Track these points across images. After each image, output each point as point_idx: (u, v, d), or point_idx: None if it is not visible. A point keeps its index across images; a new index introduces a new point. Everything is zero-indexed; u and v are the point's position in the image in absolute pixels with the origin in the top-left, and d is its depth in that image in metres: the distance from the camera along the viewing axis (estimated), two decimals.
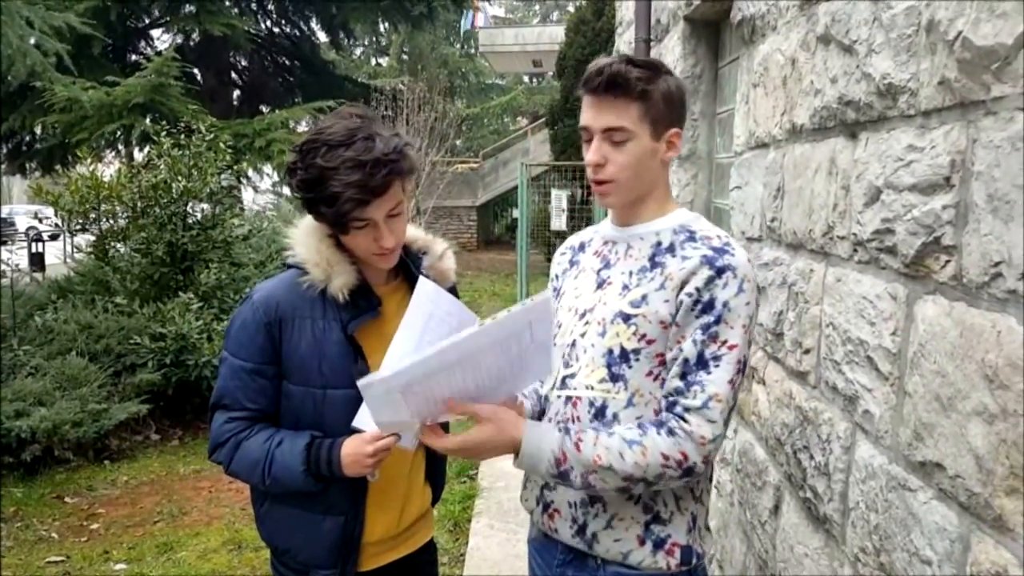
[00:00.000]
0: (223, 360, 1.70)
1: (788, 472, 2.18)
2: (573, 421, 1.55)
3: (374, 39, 24.88)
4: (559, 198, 12.26)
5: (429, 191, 14.05)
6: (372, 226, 1.59)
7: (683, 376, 1.44)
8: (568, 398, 1.57)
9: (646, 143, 1.52)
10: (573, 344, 1.58)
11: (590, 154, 1.53)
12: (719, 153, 4.16)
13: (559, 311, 1.66)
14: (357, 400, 1.50)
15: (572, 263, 1.74)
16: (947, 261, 1.36)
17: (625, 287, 1.54)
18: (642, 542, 1.52)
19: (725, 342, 1.43)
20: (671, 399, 1.45)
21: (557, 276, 1.78)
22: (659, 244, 1.55)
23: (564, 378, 1.59)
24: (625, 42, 5.94)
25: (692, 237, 1.53)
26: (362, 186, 1.52)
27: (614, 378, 1.50)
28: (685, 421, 1.42)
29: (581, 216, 11.72)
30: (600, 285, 1.59)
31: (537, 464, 1.45)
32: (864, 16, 1.72)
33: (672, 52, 4.36)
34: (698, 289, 1.45)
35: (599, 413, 1.52)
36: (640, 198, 1.58)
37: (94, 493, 4.75)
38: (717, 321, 1.43)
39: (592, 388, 1.53)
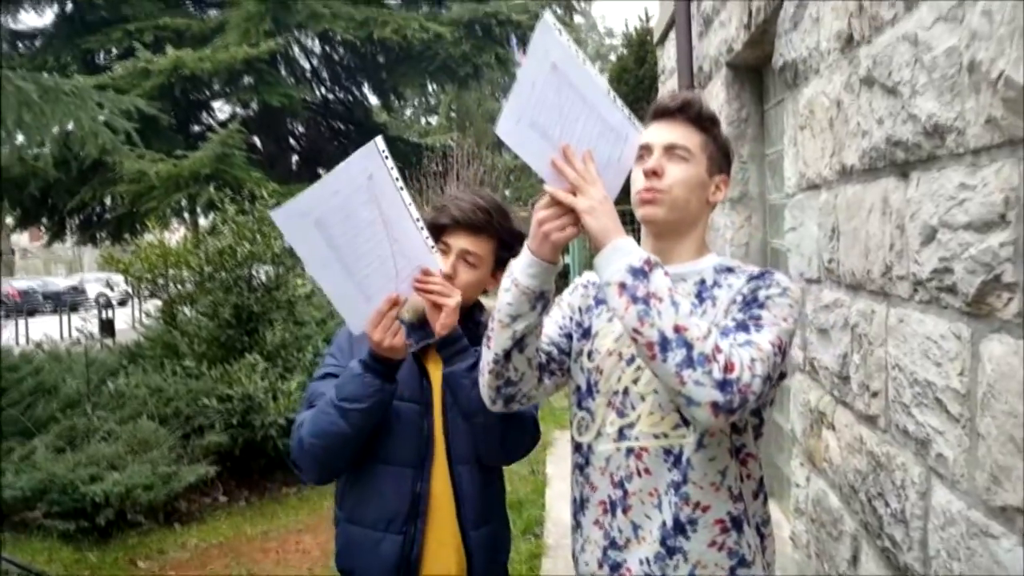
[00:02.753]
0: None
1: (864, 520, 2.12)
2: (639, 475, 1.50)
3: (424, 99, 25.55)
4: None
5: None
6: (445, 252, 1.82)
7: (723, 334, 1.39)
8: (630, 450, 1.52)
9: (701, 172, 1.56)
10: (625, 391, 1.54)
11: (648, 163, 1.53)
12: (771, 194, 4.15)
13: (595, 354, 1.61)
14: (418, 412, 1.84)
15: (599, 302, 1.66)
16: (1009, 298, 1.33)
17: None
18: None
19: (761, 319, 1.43)
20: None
21: (580, 311, 1.69)
22: (703, 282, 1.55)
23: (621, 429, 1.54)
24: (668, 90, 6.01)
25: (732, 271, 1.56)
26: (453, 212, 1.82)
27: (686, 420, 1.47)
28: (736, 344, 1.38)
29: None
30: None
31: (624, 255, 1.36)
32: (905, 58, 1.73)
33: (716, 98, 4.40)
34: (743, 294, 1.49)
35: (676, 460, 1.48)
36: (681, 229, 1.57)
37: (165, 556, 4.84)
38: (761, 306, 1.45)
39: (667, 436, 1.50)
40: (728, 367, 1.30)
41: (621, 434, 1.53)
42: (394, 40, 12.98)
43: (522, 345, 1.50)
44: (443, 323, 1.72)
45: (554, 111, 1.42)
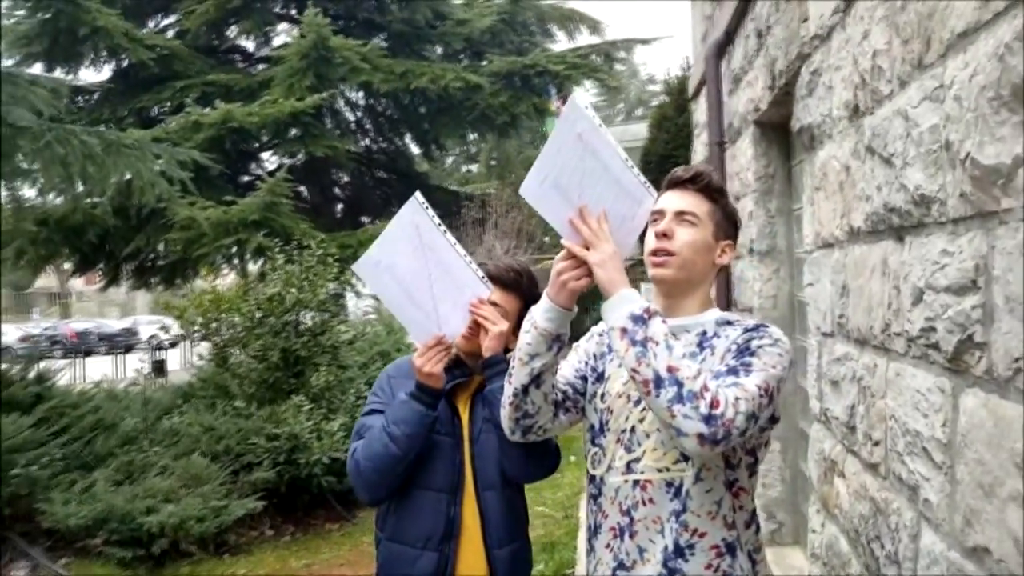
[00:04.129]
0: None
1: (865, 562, 2.25)
2: (644, 504, 1.69)
3: (464, 148, 26.09)
4: (648, 291, 12.41)
5: None
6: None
7: (714, 377, 1.58)
8: (636, 481, 1.70)
9: (708, 236, 1.75)
10: (632, 430, 1.73)
11: (659, 226, 1.73)
12: (798, 248, 4.30)
13: (606, 396, 1.80)
14: (451, 445, 2.10)
15: (611, 348, 1.84)
16: (980, 356, 1.50)
17: None
18: None
19: (751, 365, 1.60)
20: None
21: (595, 356, 1.89)
22: (704, 333, 1.74)
23: (629, 463, 1.72)
24: (702, 143, 6.21)
25: (731, 324, 1.74)
26: (489, 268, 2.13)
27: (685, 456, 1.65)
28: (722, 384, 1.55)
29: None
30: None
31: (627, 303, 1.57)
32: (899, 131, 1.92)
33: (745, 154, 4.58)
34: (737, 343, 1.66)
35: (677, 491, 1.66)
36: (688, 287, 1.76)
37: None
38: (751, 354, 1.63)
39: (668, 470, 1.68)
40: (714, 403, 1.49)
41: (628, 468, 1.72)
42: (434, 91, 13.42)
43: (539, 382, 1.73)
44: (488, 345, 2.03)
45: (575, 175, 1.66)
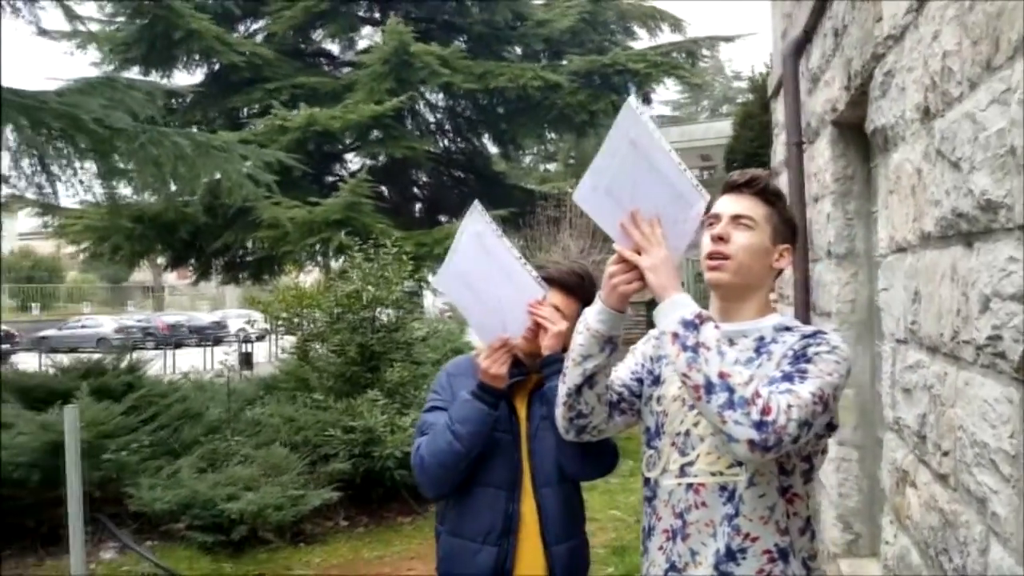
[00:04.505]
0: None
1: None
2: (697, 507, 1.69)
3: (543, 147, 26.14)
4: None
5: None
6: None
7: (769, 384, 1.57)
8: (690, 485, 1.71)
9: (765, 240, 1.74)
10: (687, 433, 1.73)
11: (715, 229, 1.73)
12: (876, 251, 4.18)
13: (662, 399, 1.81)
14: (510, 442, 2.16)
15: (664, 353, 1.86)
16: None
17: None
18: None
19: (807, 372, 1.59)
20: None
21: (652, 359, 1.89)
22: (762, 339, 1.72)
23: (683, 466, 1.73)
24: (781, 143, 6.08)
25: (790, 329, 1.72)
26: (551, 270, 2.21)
27: (739, 461, 1.64)
28: (775, 390, 1.55)
29: None
30: None
31: (679, 308, 1.58)
32: (967, 135, 1.87)
33: (823, 155, 4.48)
34: (794, 349, 1.65)
35: (730, 496, 1.66)
36: (745, 291, 1.75)
37: (291, 573, 5.24)
38: (807, 361, 1.61)
39: (722, 474, 1.68)
40: (765, 410, 1.49)
41: (682, 471, 1.73)
42: (513, 91, 13.52)
43: (592, 382, 1.75)
44: (547, 344, 2.07)
45: (628, 180, 1.67)
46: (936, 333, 2.20)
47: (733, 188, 1.79)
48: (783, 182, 5.28)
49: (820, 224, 4.63)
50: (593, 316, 1.74)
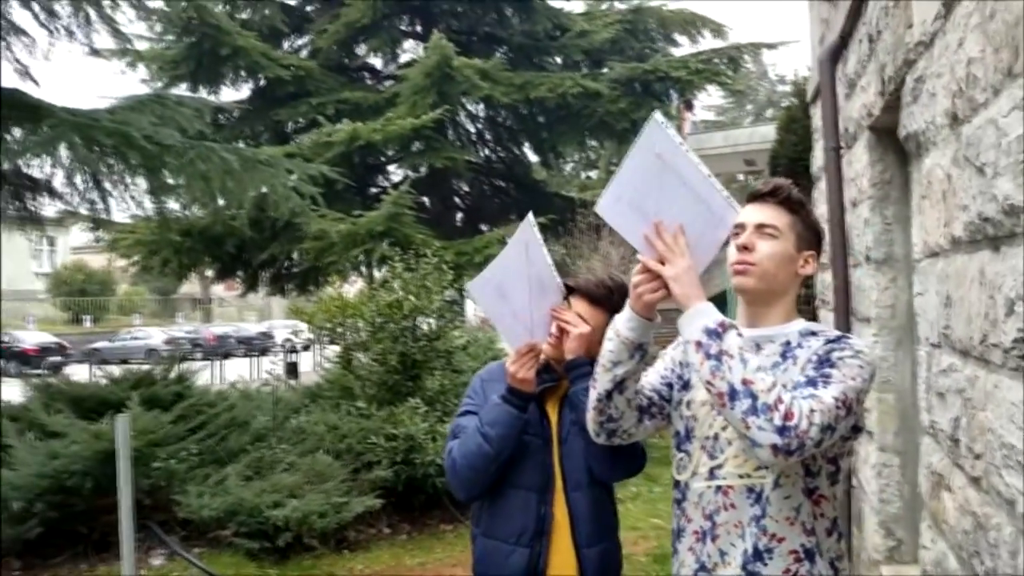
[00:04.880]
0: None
1: None
2: (726, 509, 1.73)
3: (584, 155, 26.14)
4: None
5: None
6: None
7: (793, 389, 1.62)
8: (719, 487, 1.75)
9: (789, 248, 1.79)
10: (716, 437, 1.78)
11: (740, 239, 1.78)
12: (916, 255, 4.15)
13: (692, 404, 1.86)
14: (541, 446, 2.21)
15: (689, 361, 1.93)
16: None
17: None
18: None
19: (830, 377, 1.63)
20: None
21: (681, 364, 1.93)
22: (788, 344, 1.76)
23: (712, 469, 1.77)
24: (821, 148, 6.05)
25: (815, 334, 1.76)
26: (579, 280, 2.28)
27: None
28: (798, 396, 1.59)
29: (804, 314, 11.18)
30: None
31: (702, 317, 1.63)
32: (992, 140, 1.87)
33: (860, 160, 4.46)
34: (818, 354, 1.69)
35: (757, 497, 1.70)
36: (771, 298, 1.80)
37: None
38: (831, 366, 1.65)
39: (749, 476, 1.72)
40: (788, 415, 1.53)
41: (712, 474, 1.78)
42: (553, 100, 13.60)
43: (622, 388, 1.81)
44: (569, 347, 2.14)
45: (653, 193, 1.72)
46: (967, 337, 2.20)
47: (757, 198, 1.84)
48: (822, 188, 5.26)
49: (859, 229, 4.60)
50: (623, 323, 1.79)
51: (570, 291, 2.24)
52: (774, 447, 1.53)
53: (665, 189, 1.72)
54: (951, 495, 2.49)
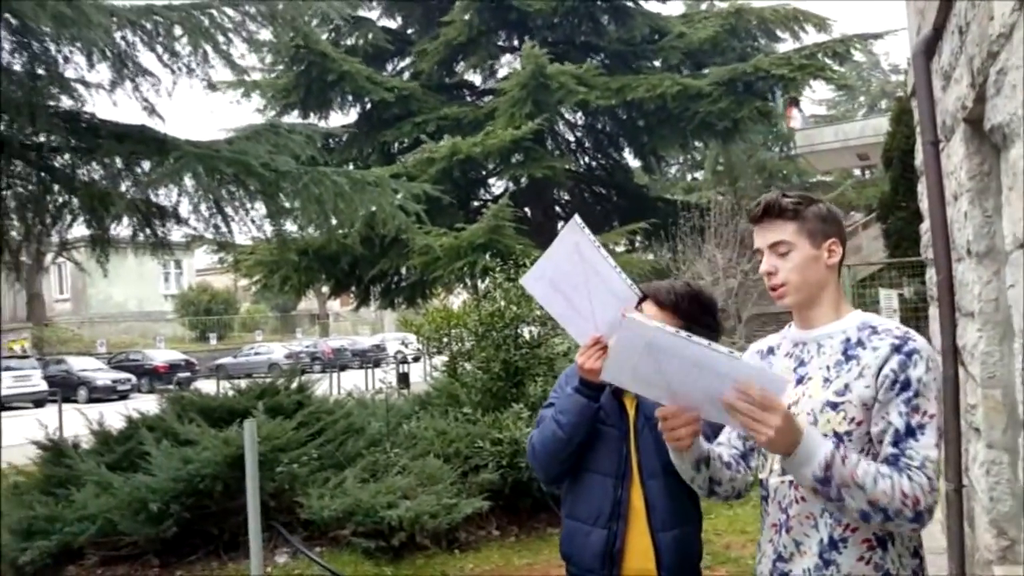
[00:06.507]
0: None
1: None
2: (798, 502, 1.83)
3: (688, 157, 25.83)
4: (888, 298, 11.57)
5: (744, 300, 14.15)
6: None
7: (895, 444, 1.71)
8: (791, 482, 1.84)
9: (807, 251, 1.87)
10: None
11: (763, 266, 1.90)
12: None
13: None
14: (618, 436, 2.37)
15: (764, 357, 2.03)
16: None
17: (826, 380, 1.83)
18: None
19: (925, 412, 1.72)
20: (891, 463, 1.72)
21: None
22: (848, 340, 1.84)
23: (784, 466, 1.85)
24: (920, 143, 5.89)
25: (875, 331, 1.82)
26: (651, 286, 2.40)
27: None
28: (913, 473, 1.68)
29: (917, 316, 10.13)
30: (800, 381, 1.88)
31: (809, 461, 1.64)
32: None
33: (957, 153, 4.37)
34: (894, 371, 1.74)
35: None
36: (813, 300, 1.88)
37: None
38: (916, 395, 1.72)
39: None
40: (915, 503, 1.66)
41: (784, 470, 1.86)
42: (651, 102, 13.57)
43: (699, 469, 1.92)
44: None
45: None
46: None
47: (756, 221, 1.93)
48: (924, 182, 5.15)
49: (960, 223, 4.50)
50: (673, 457, 1.92)
51: (643, 297, 2.36)
52: (914, 530, 1.72)
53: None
54: None
